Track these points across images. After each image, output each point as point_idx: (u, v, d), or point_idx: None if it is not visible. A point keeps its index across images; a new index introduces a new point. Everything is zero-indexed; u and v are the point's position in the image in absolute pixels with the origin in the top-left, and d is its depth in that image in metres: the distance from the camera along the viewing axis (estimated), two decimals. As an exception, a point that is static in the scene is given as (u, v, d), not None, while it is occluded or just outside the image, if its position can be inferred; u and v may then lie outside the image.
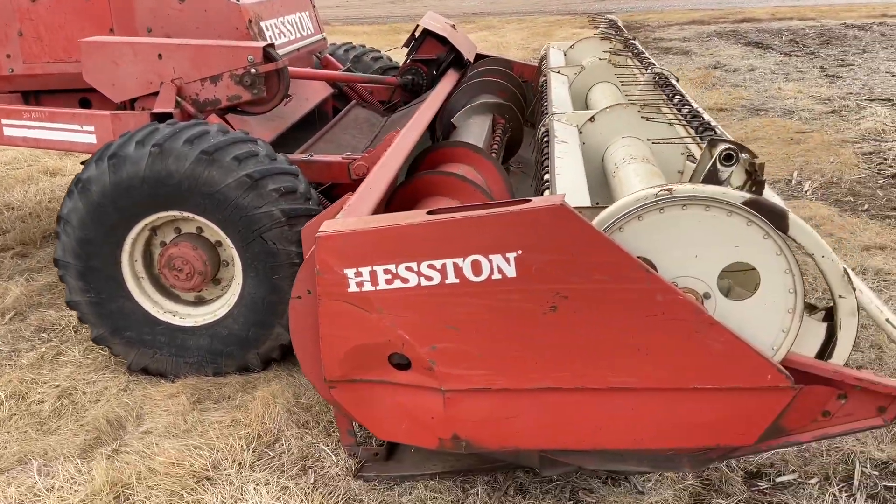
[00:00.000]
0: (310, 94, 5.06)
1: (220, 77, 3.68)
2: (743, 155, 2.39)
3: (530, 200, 2.27)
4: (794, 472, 2.80)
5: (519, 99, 5.32)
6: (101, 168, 3.24)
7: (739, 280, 2.51)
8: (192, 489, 2.71)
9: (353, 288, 2.33)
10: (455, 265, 2.27)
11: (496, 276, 2.26)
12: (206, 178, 3.18)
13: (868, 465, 2.81)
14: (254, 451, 2.94)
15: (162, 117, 3.63)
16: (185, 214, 3.30)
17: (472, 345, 2.35)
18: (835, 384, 2.40)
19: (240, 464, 2.86)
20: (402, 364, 2.45)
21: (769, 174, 6.08)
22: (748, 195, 2.31)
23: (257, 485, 2.74)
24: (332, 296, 2.36)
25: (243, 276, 3.30)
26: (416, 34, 5.50)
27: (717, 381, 2.32)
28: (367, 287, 2.33)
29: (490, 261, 2.25)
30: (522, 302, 2.28)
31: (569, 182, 2.95)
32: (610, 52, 5.24)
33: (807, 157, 6.55)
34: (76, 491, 2.76)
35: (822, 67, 10.88)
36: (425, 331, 2.36)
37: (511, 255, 2.24)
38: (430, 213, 2.33)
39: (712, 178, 2.39)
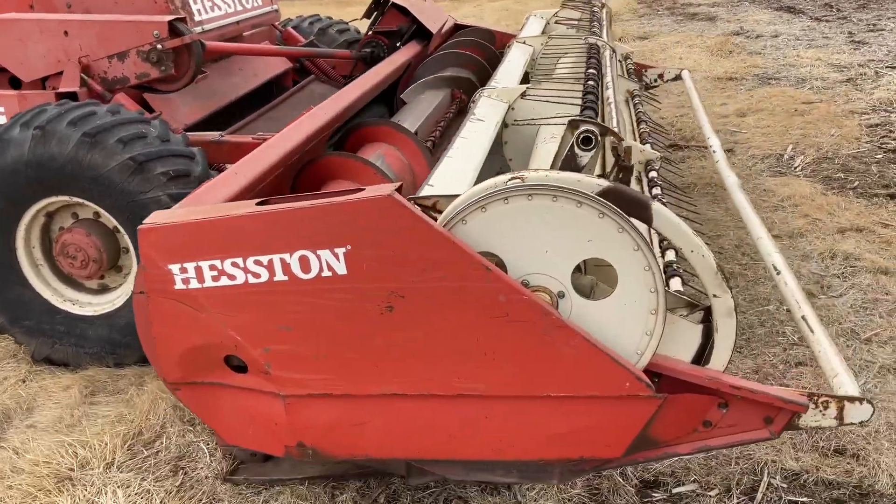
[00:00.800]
0: (260, 69, 4.88)
1: (127, 54, 3.52)
2: (609, 138, 2.13)
3: (363, 190, 2.07)
4: (694, 482, 2.57)
5: (490, 72, 5.06)
6: (-14, 152, 3.12)
7: (604, 277, 2.27)
8: (48, 491, 2.59)
9: (179, 285, 2.16)
10: (283, 261, 2.08)
11: (326, 273, 2.06)
12: (89, 161, 3.03)
13: (778, 477, 2.56)
14: (129, 450, 2.81)
15: (68, 97, 3.48)
16: (77, 199, 3.16)
17: (307, 347, 2.16)
18: (713, 392, 2.16)
19: (108, 463, 2.74)
20: (241, 367, 2.27)
21: (762, 148, 5.73)
22: (606, 183, 2.07)
23: (117, 487, 2.60)
24: (160, 293, 2.19)
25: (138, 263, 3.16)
26: (379, 4, 5.27)
27: (571, 389, 2.10)
28: (194, 284, 2.15)
29: (318, 256, 2.05)
30: (356, 301, 2.08)
31: (456, 166, 2.73)
32: (559, 20, 4.95)
33: (807, 130, 6.15)
34: (-62, 489, 2.66)
35: (849, 33, 10.29)
36: (257, 332, 2.17)
37: (340, 251, 2.04)
38: (259, 203, 2.14)
39: (570, 163, 2.14)
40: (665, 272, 2.33)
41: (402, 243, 2.01)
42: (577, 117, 2.19)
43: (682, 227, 2.08)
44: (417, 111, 4.17)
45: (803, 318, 2.48)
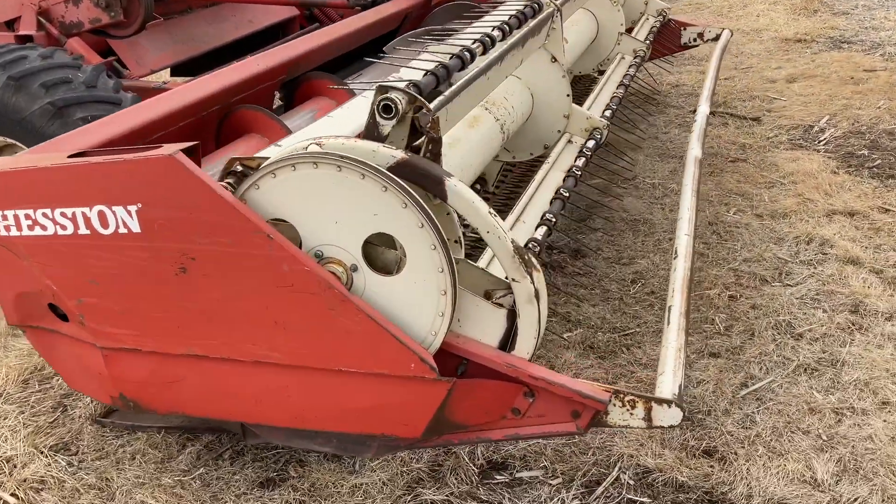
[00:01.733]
0: (258, 16, 4.87)
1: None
2: (418, 108, 2.01)
3: (160, 147, 2.04)
4: (542, 467, 2.46)
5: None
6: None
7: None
8: (-70, 416, 2.75)
9: (2, 231, 2.21)
10: (84, 215, 2.08)
11: (122, 230, 2.06)
12: (13, 104, 3.12)
13: (629, 472, 2.42)
14: (23, 383, 2.94)
15: (27, 40, 3.60)
16: (10, 140, 3.28)
17: (113, 301, 2.18)
18: (513, 380, 2.06)
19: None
20: (65, 315, 2.32)
21: (794, 118, 5.32)
22: (401, 155, 1.96)
23: (-7, 418, 2.74)
24: (-16, 239, 2.25)
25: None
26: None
27: (360, 366, 2.04)
28: (14, 231, 2.18)
29: (114, 213, 2.05)
30: (151, 261, 2.07)
31: (328, 127, 2.65)
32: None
33: (852, 100, 5.66)
34: None
35: (957, -5, 9.35)
36: (69, 283, 2.20)
37: (133, 209, 2.03)
38: (71, 156, 2.15)
39: (373, 132, 2.04)
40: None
41: (186, 205, 1.98)
42: (386, 82, 2.07)
43: (476, 206, 1.96)
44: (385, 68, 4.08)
45: (670, 307, 2.33)
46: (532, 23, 3.02)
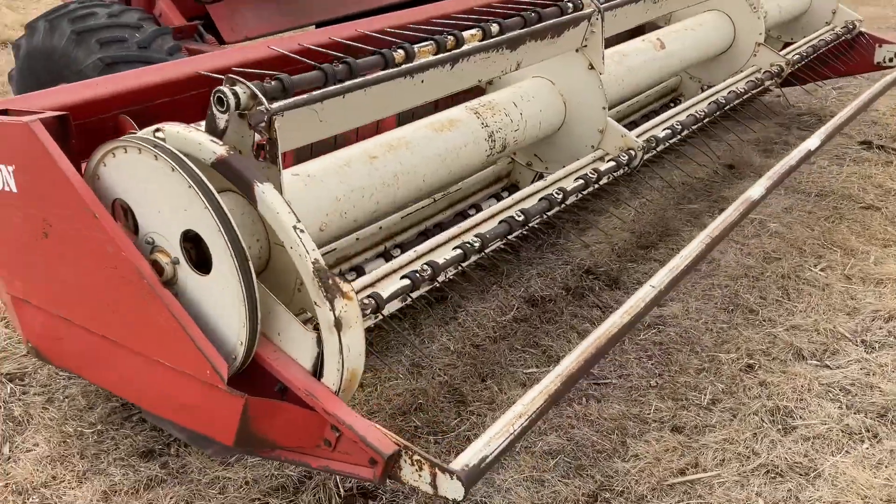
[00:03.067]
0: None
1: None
2: (257, 105, 1.89)
3: (32, 114, 2.10)
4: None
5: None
6: (26, 35, 3.64)
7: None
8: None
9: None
10: (-19, 169, 2.21)
11: (5, 187, 2.16)
12: (73, 56, 3.40)
13: None
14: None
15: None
16: (78, 90, 3.57)
17: (6, 253, 2.30)
18: (313, 410, 1.91)
19: None
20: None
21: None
22: (221, 152, 1.86)
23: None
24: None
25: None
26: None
27: (171, 361, 2.00)
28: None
29: (1, 170, 2.16)
30: (24, 220, 2.16)
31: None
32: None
33: None
34: None
35: None
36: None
37: (10, 169, 2.13)
38: (-8, 112, 2.28)
39: (211, 124, 1.95)
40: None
41: (42, 174, 2.04)
42: (233, 75, 1.95)
43: (281, 218, 1.81)
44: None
45: (544, 373, 2.07)
46: (547, 23, 2.73)
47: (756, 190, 3.02)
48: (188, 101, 2.55)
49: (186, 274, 1.96)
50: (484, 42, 2.50)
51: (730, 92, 3.73)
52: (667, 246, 3.65)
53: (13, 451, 2.49)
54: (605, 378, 2.79)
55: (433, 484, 1.76)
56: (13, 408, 2.68)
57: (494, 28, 2.58)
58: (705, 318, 3.10)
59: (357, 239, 2.71)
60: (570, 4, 2.89)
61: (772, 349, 2.90)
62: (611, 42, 3.47)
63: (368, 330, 2.41)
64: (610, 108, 3.10)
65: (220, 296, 1.91)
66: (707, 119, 3.51)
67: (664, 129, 3.23)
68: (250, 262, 1.83)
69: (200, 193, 1.80)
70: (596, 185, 2.87)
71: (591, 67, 3.01)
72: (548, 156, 3.22)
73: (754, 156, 4.61)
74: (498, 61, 2.59)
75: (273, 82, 1.96)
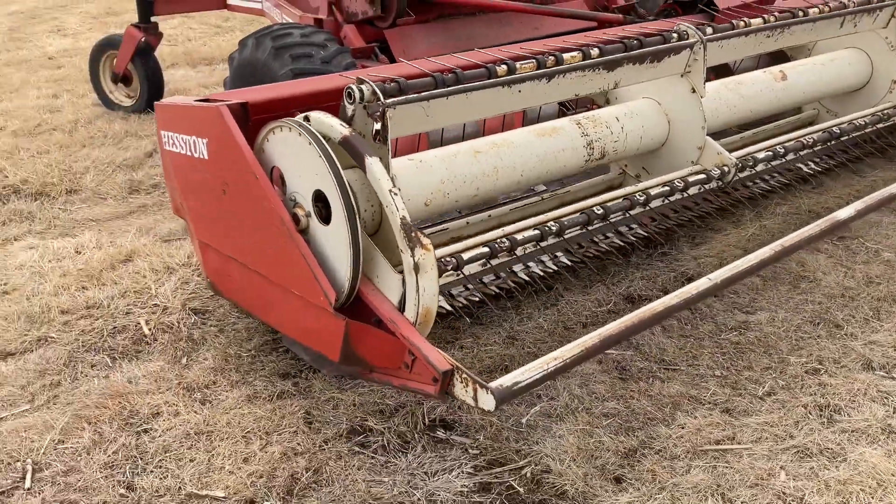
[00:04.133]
0: (545, 24, 5.34)
1: (351, -3, 4.55)
2: (376, 100, 2.47)
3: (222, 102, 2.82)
4: (474, 439, 2.75)
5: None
6: (238, 49, 4.51)
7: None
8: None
9: (166, 145, 3.20)
10: (188, 140, 2.97)
11: (201, 155, 2.90)
12: (272, 67, 4.20)
13: (531, 469, 2.60)
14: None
15: (318, 24, 4.70)
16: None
17: (198, 205, 3.05)
18: (393, 333, 2.45)
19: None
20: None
21: None
22: (345, 132, 2.47)
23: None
24: (161, 148, 3.27)
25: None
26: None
27: (300, 290, 2.62)
28: (167, 147, 3.17)
29: (198, 142, 2.90)
30: (211, 180, 2.89)
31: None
32: None
33: None
34: None
35: None
36: (181, 188, 3.12)
37: (205, 141, 2.86)
38: (197, 100, 3.04)
39: (342, 113, 2.55)
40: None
41: (223, 144, 2.75)
42: (362, 76, 2.54)
43: (381, 183, 2.38)
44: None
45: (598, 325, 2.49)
46: (644, 49, 3.14)
47: (845, 211, 3.24)
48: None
49: (315, 225, 2.59)
50: (580, 63, 2.97)
51: (849, 124, 3.91)
52: (773, 266, 3.87)
53: (189, 361, 3.22)
54: (675, 364, 3.12)
55: (475, 398, 2.25)
56: (193, 332, 3.43)
57: (595, 52, 3.04)
58: (788, 326, 3.33)
59: (468, 223, 3.24)
60: (674, 35, 3.29)
61: (843, 358, 3.10)
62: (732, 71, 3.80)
63: (475, 305, 2.93)
64: (723, 131, 3.45)
65: (336, 242, 2.51)
66: (819, 147, 3.73)
67: (766, 151, 3.51)
68: (357, 218, 2.41)
69: (326, 162, 2.42)
70: (683, 194, 3.23)
71: (693, 91, 3.37)
72: (654, 168, 3.60)
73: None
74: (594, 79, 3.05)
75: (391, 84, 2.55)
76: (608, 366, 3.13)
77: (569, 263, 3.34)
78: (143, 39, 6.53)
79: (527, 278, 3.24)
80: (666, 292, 3.64)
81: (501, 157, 2.98)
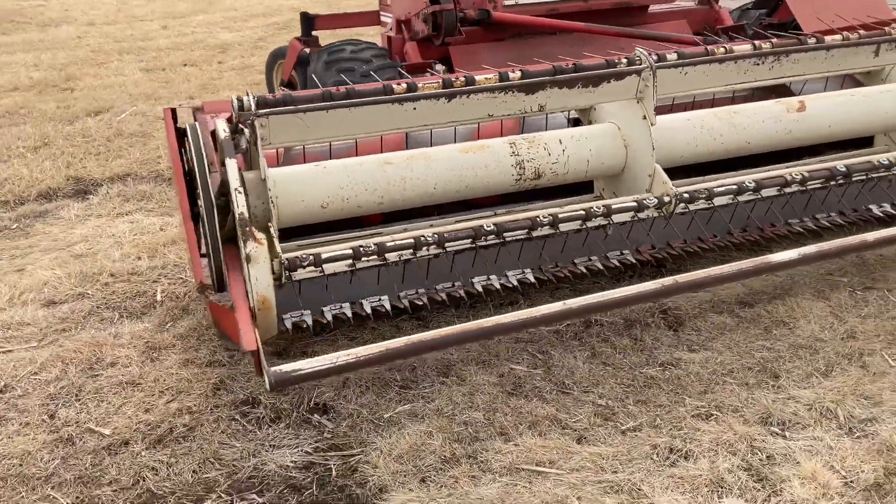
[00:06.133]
0: (610, 44, 5.25)
1: (419, 14, 4.87)
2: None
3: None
4: (335, 425, 3.00)
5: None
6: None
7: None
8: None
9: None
10: (167, 139, 3.51)
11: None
12: (323, 77, 4.67)
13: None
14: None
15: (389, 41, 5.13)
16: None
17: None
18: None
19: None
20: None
21: None
22: (223, 136, 2.86)
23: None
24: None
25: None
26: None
27: (195, 275, 3.04)
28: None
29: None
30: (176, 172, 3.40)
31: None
32: None
33: None
34: None
35: None
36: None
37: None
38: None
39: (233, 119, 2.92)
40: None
41: (170, 144, 3.24)
42: (250, 91, 2.86)
43: (231, 182, 2.73)
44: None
45: None
46: (574, 75, 3.17)
47: (781, 255, 3.03)
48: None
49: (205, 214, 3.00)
50: (492, 84, 3.09)
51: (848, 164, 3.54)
52: (765, 306, 3.62)
53: (170, 327, 3.77)
54: (569, 389, 3.11)
55: (262, 377, 2.53)
56: (191, 305, 3.98)
57: (515, 74, 3.14)
58: (719, 370, 3.16)
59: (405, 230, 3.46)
60: (624, 60, 3.26)
61: (745, 408, 2.91)
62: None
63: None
64: (710, 162, 3.40)
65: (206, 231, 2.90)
66: (804, 185, 3.43)
67: (723, 186, 3.33)
68: (214, 210, 2.79)
69: (195, 159, 2.82)
70: (604, 219, 3.19)
71: (644, 118, 3.31)
72: (619, 191, 3.55)
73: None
74: (511, 102, 3.14)
75: (275, 97, 2.89)
76: (507, 379, 3.20)
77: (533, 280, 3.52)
78: (304, 50, 7.34)
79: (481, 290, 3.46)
80: (627, 320, 3.59)
81: (413, 169, 3.16)
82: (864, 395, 2.95)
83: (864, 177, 3.54)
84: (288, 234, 3.18)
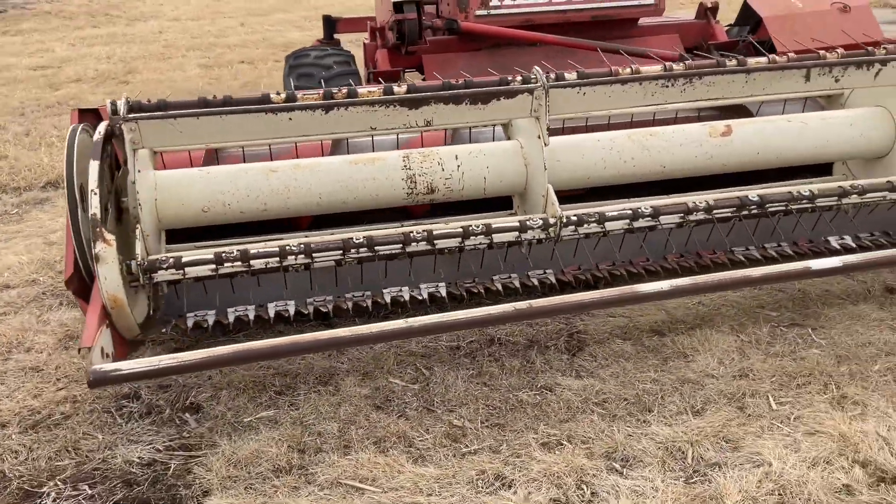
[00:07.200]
0: (609, 59, 5.16)
1: (385, 25, 4.92)
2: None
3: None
4: (198, 424, 3.08)
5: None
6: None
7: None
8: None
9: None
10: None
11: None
12: (288, 83, 4.78)
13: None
14: None
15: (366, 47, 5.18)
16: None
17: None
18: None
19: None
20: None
21: None
22: (96, 138, 2.97)
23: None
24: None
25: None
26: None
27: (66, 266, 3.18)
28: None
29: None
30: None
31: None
32: None
33: None
34: None
35: None
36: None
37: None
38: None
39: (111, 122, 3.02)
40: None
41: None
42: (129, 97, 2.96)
43: (91, 183, 2.83)
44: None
45: None
46: (460, 91, 3.14)
47: (647, 286, 2.92)
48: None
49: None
50: (374, 98, 3.10)
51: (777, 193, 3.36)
52: (674, 336, 3.49)
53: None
54: (434, 407, 3.08)
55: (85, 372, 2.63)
56: (127, 296, 4.14)
57: (401, 89, 3.14)
58: (591, 399, 3.07)
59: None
60: (519, 78, 3.21)
61: (595, 440, 2.81)
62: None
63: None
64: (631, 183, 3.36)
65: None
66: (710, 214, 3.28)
67: (616, 211, 3.23)
68: (78, 208, 2.90)
69: (66, 158, 2.94)
70: (485, 238, 3.14)
71: (539, 137, 3.24)
72: (528, 210, 3.48)
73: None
74: (394, 115, 3.14)
75: (150, 102, 2.99)
76: (380, 392, 3.20)
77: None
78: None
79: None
80: (530, 339, 3.53)
81: (297, 178, 3.20)
82: (727, 437, 2.81)
83: (782, 207, 3.36)
84: (217, 234, 3.33)
